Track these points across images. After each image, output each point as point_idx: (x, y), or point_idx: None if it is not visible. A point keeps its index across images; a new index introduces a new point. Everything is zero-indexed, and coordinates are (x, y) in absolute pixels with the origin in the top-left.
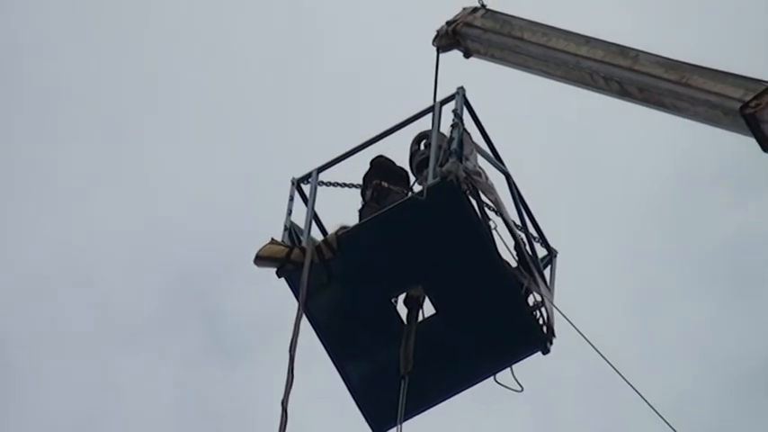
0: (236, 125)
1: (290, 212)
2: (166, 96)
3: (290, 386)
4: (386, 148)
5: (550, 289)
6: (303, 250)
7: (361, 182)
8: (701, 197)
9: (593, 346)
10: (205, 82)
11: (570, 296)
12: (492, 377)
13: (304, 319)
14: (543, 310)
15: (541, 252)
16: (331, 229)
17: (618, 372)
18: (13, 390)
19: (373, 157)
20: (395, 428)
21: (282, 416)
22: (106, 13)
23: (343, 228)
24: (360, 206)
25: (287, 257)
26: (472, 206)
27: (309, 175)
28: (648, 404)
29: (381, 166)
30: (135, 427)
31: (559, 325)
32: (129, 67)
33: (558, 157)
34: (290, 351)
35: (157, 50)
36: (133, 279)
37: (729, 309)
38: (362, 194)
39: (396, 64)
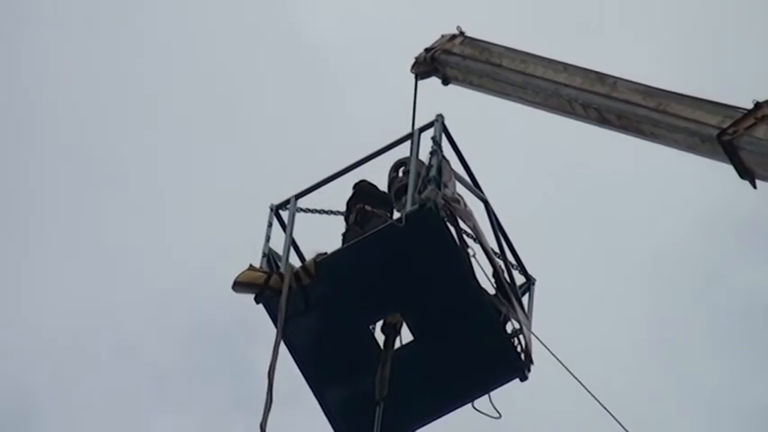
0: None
1: (268, 239)
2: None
3: (269, 409)
4: (364, 174)
5: (528, 316)
6: (281, 276)
7: (338, 208)
8: (687, 236)
9: (571, 373)
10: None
11: (550, 324)
12: (470, 404)
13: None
14: (521, 337)
15: (520, 279)
16: (309, 256)
17: (595, 397)
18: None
19: (355, 182)
20: None
21: None
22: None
23: (320, 254)
24: (344, 230)
25: (265, 284)
26: (451, 233)
27: (288, 201)
28: (614, 417)
29: (364, 191)
30: None
31: (538, 352)
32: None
33: (537, 185)
34: (269, 375)
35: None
36: (161, 333)
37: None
38: (346, 219)
39: (375, 91)
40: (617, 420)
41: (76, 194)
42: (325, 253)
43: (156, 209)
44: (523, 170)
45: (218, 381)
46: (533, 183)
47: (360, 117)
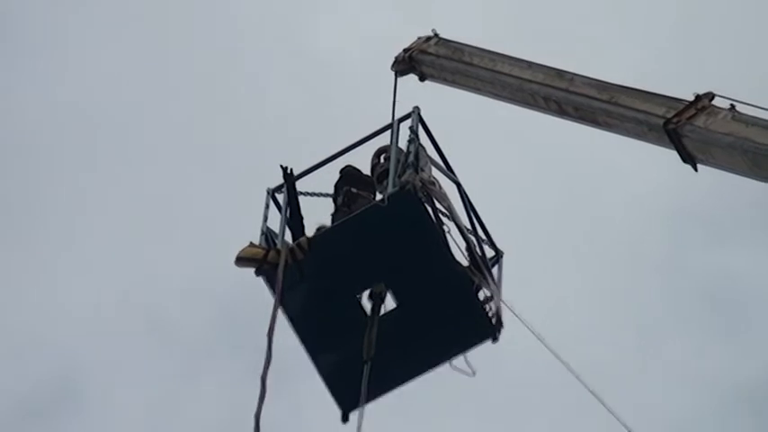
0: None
1: (266, 219)
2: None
3: (269, 364)
4: (350, 160)
5: (498, 285)
6: (278, 252)
7: (326, 190)
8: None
9: (536, 334)
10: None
11: (519, 292)
12: (447, 363)
13: (280, 312)
14: (492, 303)
15: (490, 253)
16: (310, 229)
17: (556, 354)
18: (87, 411)
19: (342, 167)
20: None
21: (262, 389)
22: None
23: (320, 227)
24: (333, 210)
25: (264, 259)
26: (428, 212)
27: (283, 185)
28: (585, 385)
29: (350, 175)
30: None
31: (507, 318)
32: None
33: (503, 170)
34: (269, 336)
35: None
36: (192, 312)
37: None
38: (334, 201)
39: (360, 86)
40: (576, 376)
41: (113, 183)
42: (325, 225)
43: (186, 197)
44: (496, 158)
45: (241, 353)
46: (505, 169)
47: (347, 111)
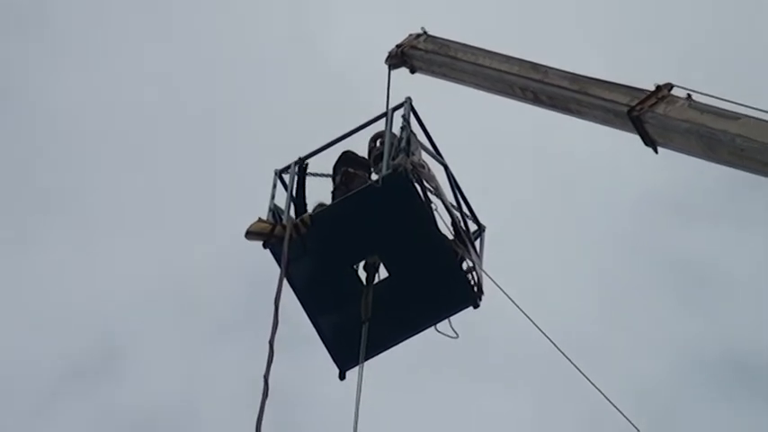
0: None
1: (273, 197)
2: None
3: (276, 329)
4: (349, 145)
5: (480, 256)
6: (284, 227)
7: (328, 171)
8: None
9: (512, 300)
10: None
11: (500, 263)
12: (433, 327)
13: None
14: (474, 273)
15: (473, 227)
16: (310, 208)
17: (531, 320)
18: (127, 372)
19: (342, 151)
20: (355, 368)
21: (270, 352)
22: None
23: (320, 204)
24: (332, 189)
25: (271, 233)
26: (418, 191)
27: (289, 166)
28: (555, 346)
29: (348, 158)
30: (226, 404)
31: (488, 287)
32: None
33: (487, 154)
34: (275, 303)
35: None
36: (218, 285)
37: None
38: (333, 180)
39: (360, 78)
40: (548, 337)
41: (147, 168)
42: (324, 204)
43: (213, 180)
44: (481, 144)
45: (263, 324)
46: (488, 154)
47: (347, 101)
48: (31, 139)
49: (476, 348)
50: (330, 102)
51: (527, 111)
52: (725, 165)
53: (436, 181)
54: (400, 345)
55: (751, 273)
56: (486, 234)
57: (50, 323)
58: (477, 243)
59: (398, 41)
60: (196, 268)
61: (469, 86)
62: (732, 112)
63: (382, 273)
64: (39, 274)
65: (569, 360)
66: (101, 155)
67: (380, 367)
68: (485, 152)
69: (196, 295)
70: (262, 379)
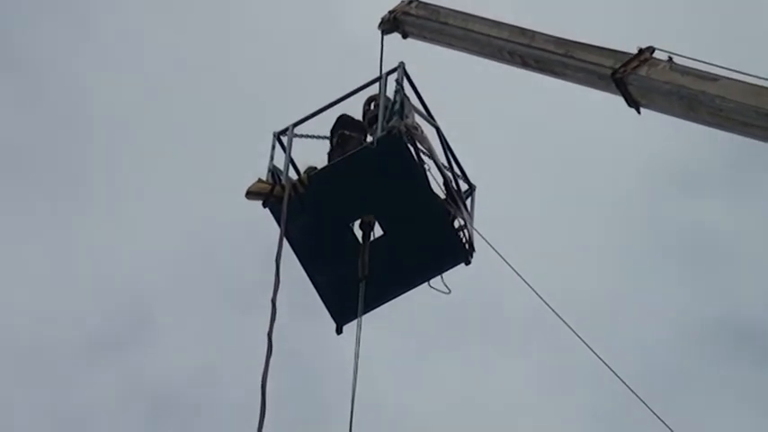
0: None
1: (272, 158)
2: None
3: (277, 288)
4: (345, 108)
5: (471, 215)
6: (283, 187)
7: (324, 134)
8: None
9: (501, 256)
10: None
11: (492, 222)
12: (427, 282)
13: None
14: (465, 231)
15: (464, 187)
16: (303, 167)
17: (518, 273)
18: (152, 336)
19: (339, 114)
20: (351, 322)
21: (273, 310)
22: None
23: (311, 167)
24: (329, 150)
25: (270, 193)
26: (411, 153)
27: (287, 129)
28: (545, 302)
29: (344, 120)
30: (248, 370)
31: (479, 244)
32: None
33: (479, 116)
34: (276, 261)
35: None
36: (243, 256)
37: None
38: (330, 142)
39: (355, 44)
40: (541, 297)
41: (175, 143)
42: (315, 167)
43: (235, 154)
44: (473, 106)
45: (290, 293)
46: (480, 116)
47: (342, 62)
48: (59, 114)
49: (471, 308)
50: (340, 68)
51: (522, 75)
52: (705, 125)
53: (429, 142)
54: (396, 300)
55: (753, 240)
56: (477, 193)
57: (78, 293)
58: (468, 202)
59: (391, 7)
60: (222, 237)
61: (460, 51)
62: (711, 73)
63: (377, 231)
64: (67, 245)
65: (561, 318)
66: (127, 127)
67: (374, 320)
68: (477, 116)
69: (223, 264)
70: (296, 353)
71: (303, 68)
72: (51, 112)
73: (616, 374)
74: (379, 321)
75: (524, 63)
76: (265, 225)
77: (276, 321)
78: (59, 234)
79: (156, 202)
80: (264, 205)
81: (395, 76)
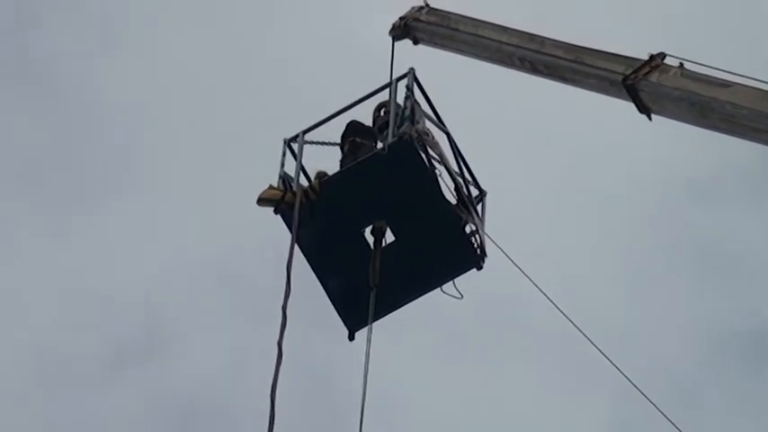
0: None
1: (282, 165)
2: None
3: (288, 295)
4: (355, 114)
5: (482, 220)
6: (294, 194)
7: (335, 141)
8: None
9: (513, 261)
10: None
11: (502, 228)
12: (439, 288)
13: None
14: (477, 236)
15: (475, 192)
16: (313, 173)
17: (528, 277)
18: (170, 347)
19: (349, 120)
20: (363, 329)
21: (283, 318)
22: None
23: (321, 173)
24: (340, 158)
25: (282, 199)
26: (422, 158)
27: (297, 136)
28: (551, 301)
29: (354, 127)
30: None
31: (491, 250)
32: None
33: (490, 122)
34: (287, 268)
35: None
36: (259, 267)
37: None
38: (341, 149)
39: (365, 50)
40: (552, 302)
41: (187, 155)
42: (325, 172)
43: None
44: (484, 112)
45: (306, 306)
46: (491, 122)
47: (353, 69)
48: (75, 122)
49: (483, 314)
50: (351, 75)
51: (532, 81)
52: (716, 131)
53: (440, 148)
54: (409, 305)
55: None
56: (488, 199)
57: (95, 307)
58: (479, 208)
59: (401, 14)
60: (236, 245)
61: (470, 57)
62: (723, 79)
63: (389, 237)
64: (83, 258)
65: (574, 324)
66: (142, 137)
67: (387, 326)
68: (488, 121)
69: (239, 275)
70: (309, 360)
71: (314, 75)
72: (68, 119)
73: (630, 380)
74: (392, 327)
75: (535, 69)
76: (279, 231)
77: (288, 329)
78: (74, 247)
79: (171, 210)
80: (276, 212)
81: (405, 81)
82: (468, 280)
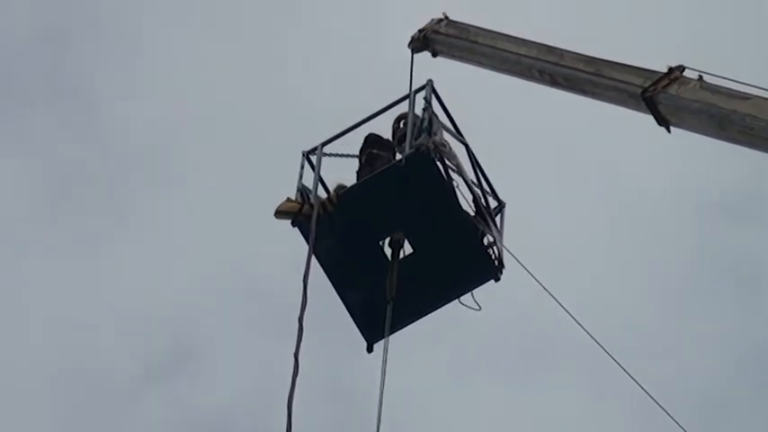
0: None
1: (300, 177)
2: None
3: (305, 306)
4: (373, 126)
5: (500, 232)
6: (312, 206)
7: (353, 153)
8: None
9: (530, 273)
10: None
11: (522, 239)
12: (457, 300)
13: (314, 259)
14: (495, 248)
15: (493, 204)
16: (331, 185)
17: (547, 290)
18: (199, 362)
19: (367, 133)
20: (382, 341)
21: (299, 330)
22: None
23: (340, 185)
24: (358, 169)
25: (299, 212)
26: (440, 169)
27: (315, 148)
28: (569, 314)
29: (372, 139)
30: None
31: (509, 262)
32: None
33: (508, 134)
34: (304, 281)
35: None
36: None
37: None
38: (359, 161)
39: (385, 63)
40: (569, 313)
41: (214, 171)
42: (344, 184)
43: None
44: (502, 124)
45: (335, 321)
46: (509, 133)
47: (372, 81)
48: (102, 142)
49: (500, 326)
50: (370, 87)
51: (551, 93)
52: (735, 143)
53: (457, 159)
54: (428, 317)
55: None
56: (506, 210)
57: (125, 323)
58: (497, 219)
59: (421, 26)
60: (267, 262)
61: (489, 69)
62: (742, 92)
63: (407, 249)
64: (114, 274)
65: (594, 338)
66: (168, 153)
67: (405, 338)
68: (507, 133)
69: (267, 290)
70: (338, 375)
71: (334, 88)
72: (95, 139)
73: (648, 394)
74: (411, 340)
75: (554, 81)
76: (299, 244)
77: (304, 341)
78: (105, 262)
79: (201, 229)
80: (293, 224)
81: (423, 93)
82: (485, 291)
